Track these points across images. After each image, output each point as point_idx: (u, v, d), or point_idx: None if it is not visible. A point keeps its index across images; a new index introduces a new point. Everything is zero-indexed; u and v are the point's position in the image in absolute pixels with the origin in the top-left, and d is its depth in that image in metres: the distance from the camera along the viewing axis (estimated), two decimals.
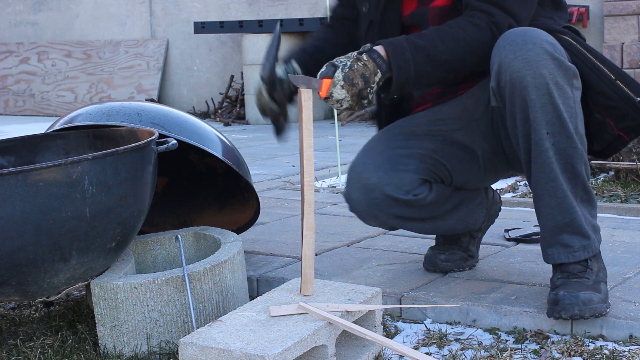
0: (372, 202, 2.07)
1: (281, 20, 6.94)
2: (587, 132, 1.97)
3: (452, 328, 2.03)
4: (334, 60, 1.91)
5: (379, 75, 1.90)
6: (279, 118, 2.04)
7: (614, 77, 1.98)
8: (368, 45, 1.93)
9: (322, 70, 1.90)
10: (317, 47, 2.17)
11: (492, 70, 1.90)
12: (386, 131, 2.18)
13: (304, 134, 1.82)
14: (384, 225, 2.18)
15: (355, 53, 1.92)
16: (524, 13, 1.96)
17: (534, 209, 3.10)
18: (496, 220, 2.43)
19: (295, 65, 2.03)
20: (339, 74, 1.87)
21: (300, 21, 6.87)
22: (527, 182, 1.98)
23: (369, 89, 1.89)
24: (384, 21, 2.09)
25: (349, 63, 1.89)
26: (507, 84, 1.87)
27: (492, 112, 2.09)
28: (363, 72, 1.88)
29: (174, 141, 2.08)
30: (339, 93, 1.88)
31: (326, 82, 1.88)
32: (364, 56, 1.90)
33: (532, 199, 3.28)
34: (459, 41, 1.93)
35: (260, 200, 2.48)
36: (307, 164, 1.82)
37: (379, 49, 1.92)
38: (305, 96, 1.82)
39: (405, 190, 2.07)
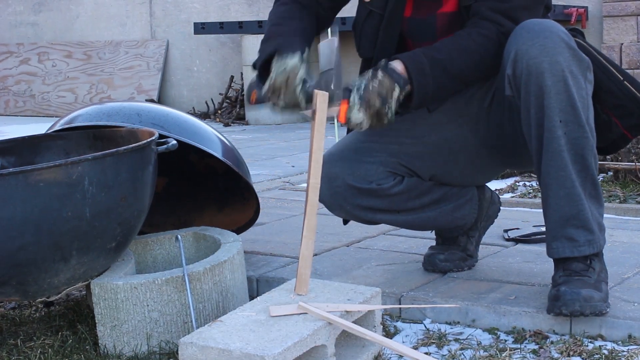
0: (334, 191, 2.09)
1: None
2: None
3: (451, 328, 2.03)
4: (349, 83, 1.91)
5: (397, 90, 1.89)
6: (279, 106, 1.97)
7: (621, 78, 2.01)
8: (383, 60, 1.93)
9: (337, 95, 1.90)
10: (306, 32, 2.06)
11: (509, 58, 1.90)
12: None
13: (316, 136, 1.82)
14: (353, 217, 2.17)
15: (370, 71, 1.90)
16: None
17: (532, 210, 3.15)
18: (495, 220, 2.43)
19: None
20: (354, 97, 1.87)
21: None
22: (536, 178, 1.98)
23: (387, 106, 1.88)
24: (392, 18, 2.07)
25: (363, 84, 1.88)
26: (523, 71, 1.88)
27: (490, 109, 2.10)
28: (379, 91, 1.87)
29: (174, 141, 2.08)
30: (357, 117, 1.87)
31: (343, 106, 1.87)
32: (379, 73, 1.89)
33: (531, 200, 3.33)
34: (472, 54, 1.94)
35: (260, 201, 2.48)
36: (314, 166, 1.83)
37: (396, 64, 1.91)
38: (321, 99, 1.82)
39: (368, 181, 2.08)
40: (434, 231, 2.40)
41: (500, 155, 2.17)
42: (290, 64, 1.89)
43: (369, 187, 2.09)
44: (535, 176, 3.71)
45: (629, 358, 1.79)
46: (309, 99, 1.87)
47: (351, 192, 2.09)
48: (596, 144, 2.01)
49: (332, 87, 1.85)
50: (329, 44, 1.88)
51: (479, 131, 2.13)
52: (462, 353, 1.87)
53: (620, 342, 1.88)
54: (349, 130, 2.24)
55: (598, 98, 1.99)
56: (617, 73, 2.01)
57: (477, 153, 2.16)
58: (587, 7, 6.32)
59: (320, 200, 2.13)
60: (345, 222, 2.32)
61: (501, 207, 2.45)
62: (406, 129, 2.14)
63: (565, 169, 1.90)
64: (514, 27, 1.94)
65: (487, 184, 2.36)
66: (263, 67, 1.96)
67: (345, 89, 1.89)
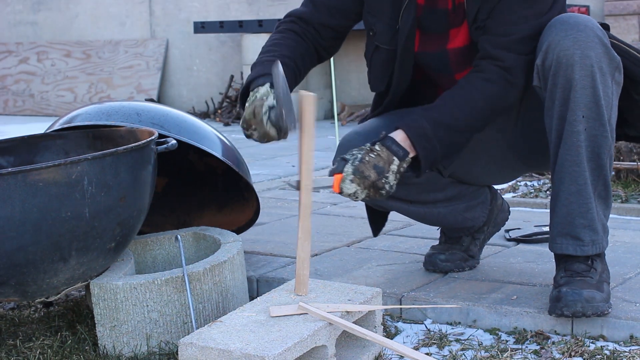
0: None
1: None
2: (627, 121, 2.00)
3: (452, 328, 2.03)
4: (346, 154, 1.91)
5: (395, 162, 1.88)
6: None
7: None
8: (383, 132, 1.92)
9: (334, 166, 1.91)
10: (293, 64, 2.05)
11: (540, 49, 1.89)
12: (393, 112, 2.16)
13: (304, 139, 1.80)
14: (367, 199, 2.16)
15: (368, 144, 1.91)
16: (533, 47, 1.94)
17: (534, 209, 3.14)
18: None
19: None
20: (348, 168, 1.87)
21: None
22: (550, 171, 1.97)
23: (383, 179, 1.87)
24: (404, 54, 2.05)
25: (359, 155, 1.88)
26: (553, 62, 1.87)
27: (520, 108, 2.09)
28: (375, 163, 1.87)
29: (174, 141, 2.07)
30: (349, 187, 1.87)
31: (337, 177, 1.88)
32: (377, 146, 1.89)
33: (532, 199, 3.32)
34: (476, 102, 1.93)
35: (260, 201, 2.47)
36: (305, 168, 1.82)
37: (397, 134, 1.91)
38: (307, 101, 1.80)
39: None
40: (439, 229, 2.39)
41: (524, 156, 2.17)
42: (259, 94, 1.89)
43: None
44: (537, 176, 3.74)
45: (631, 359, 1.78)
46: (279, 129, 1.86)
47: None
48: (633, 132, 2.01)
49: (283, 121, 1.85)
50: (276, 77, 1.86)
51: (507, 131, 2.13)
52: (463, 353, 1.86)
53: (622, 343, 1.88)
54: (362, 120, 2.23)
55: (637, 91, 1.98)
56: None
57: (502, 153, 2.16)
58: (588, 6, 6.32)
59: None
60: (376, 233, 2.32)
61: None
62: None
63: (580, 165, 1.89)
64: (516, 57, 1.92)
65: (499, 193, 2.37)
66: (244, 97, 1.97)
67: (342, 159, 1.90)
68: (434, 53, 2.06)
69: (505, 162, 2.19)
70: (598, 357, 1.80)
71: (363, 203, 2.33)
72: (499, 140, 2.14)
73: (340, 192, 1.89)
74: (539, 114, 2.03)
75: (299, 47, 2.08)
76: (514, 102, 1.99)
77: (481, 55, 1.96)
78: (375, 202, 2.16)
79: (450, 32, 2.03)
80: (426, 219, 2.23)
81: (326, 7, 2.10)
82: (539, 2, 1.94)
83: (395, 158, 1.88)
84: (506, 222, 2.42)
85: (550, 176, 2.03)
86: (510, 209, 2.47)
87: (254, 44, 6.99)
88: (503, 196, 3.37)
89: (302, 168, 1.82)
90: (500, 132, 2.13)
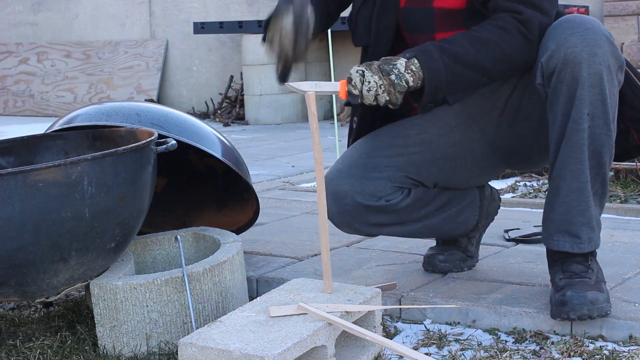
0: (343, 209, 2.04)
1: None
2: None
3: (451, 328, 2.03)
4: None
5: (402, 60, 1.86)
6: (289, 61, 1.91)
7: None
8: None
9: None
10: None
11: (547, 48, 1.87)
12: (372, 136, 2.14)
13: (314, 135, 1.84)
14: (359, 233, 2.14)
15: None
16: (552, 9, 1.93)
17: (533, 210, 3.14)
18: (496, 220, 2.42)
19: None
20: (354, 69, 1.86)
21: None
22: (549, 167, 1.97)
23: (390, 65, 1.86)
24: (385, 4, 2.04)
25: (364, 64, 1.88)
26: (560, 59, 1.85)
27: (504, 109, 2.07)
28: (384, 61, 1.88)
29: (174, 141, 2.07)
30: (355, 76, 1.86)
31: (343, 82, 1.87)
32: (381, 58, 1.90)
33: (531, 200, 3.32)
34: (487, 43, 1.89)
35: (259, 201, 2.48)
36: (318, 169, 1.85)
37: (402, 54, 1.90)
38: (311, 99, 1.83)
39: (377, 197, 2.04)
40: None
41: (506, 155, 2.15)
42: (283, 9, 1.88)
43: (378, 204, 2.04)
44: (537, 176, 3.74)
45: (630, 358, 1.79)
46: (303, 44, 1.86)
47: (360, 209, 2.04)
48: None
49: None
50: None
51: (488, 131, 2.11)
52: (463, 354, 1.87)
53: (621, 343, 1.88)
54: (350, 142, 2.21)
55: (619, 109, 1.96)
56: None
57: (482, 154, 2.14)
58: (587, 6, 6.33)
59: (328, 218, 2.05)
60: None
61: (502, 208, 2.45)
62: (416, 134, 2.10)
63: (582, 163, 1.89)
64: (534, 12, 1.89)
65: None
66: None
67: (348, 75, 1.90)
68: (418, 9, 2.03)
69: (487, 162, 2.16)
70: (597, 357, 1.81)
71: None
72: (480, 141, 2.12)
73: (348, 94, 1.86)
74: (521, 114, 2.03)
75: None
76: (526, 61, 1.93)
77: (498, 9, 1.92)
78: (368, 232, 2.14)
79: None
80: (422, 233, 2.19)
81: None
82: None
83: (400, 57, 1.88)
84: (498, 211, 2.38)
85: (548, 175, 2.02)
86: (510, 209, 2.48)
87: (254, 44, 6.99)
88: (502, 196, 3.38)
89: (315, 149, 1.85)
90: (481, 132, 2.12)
